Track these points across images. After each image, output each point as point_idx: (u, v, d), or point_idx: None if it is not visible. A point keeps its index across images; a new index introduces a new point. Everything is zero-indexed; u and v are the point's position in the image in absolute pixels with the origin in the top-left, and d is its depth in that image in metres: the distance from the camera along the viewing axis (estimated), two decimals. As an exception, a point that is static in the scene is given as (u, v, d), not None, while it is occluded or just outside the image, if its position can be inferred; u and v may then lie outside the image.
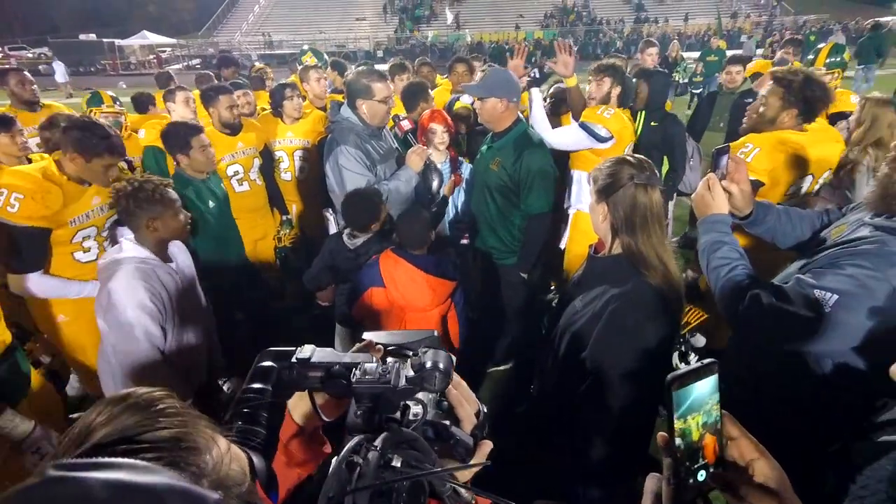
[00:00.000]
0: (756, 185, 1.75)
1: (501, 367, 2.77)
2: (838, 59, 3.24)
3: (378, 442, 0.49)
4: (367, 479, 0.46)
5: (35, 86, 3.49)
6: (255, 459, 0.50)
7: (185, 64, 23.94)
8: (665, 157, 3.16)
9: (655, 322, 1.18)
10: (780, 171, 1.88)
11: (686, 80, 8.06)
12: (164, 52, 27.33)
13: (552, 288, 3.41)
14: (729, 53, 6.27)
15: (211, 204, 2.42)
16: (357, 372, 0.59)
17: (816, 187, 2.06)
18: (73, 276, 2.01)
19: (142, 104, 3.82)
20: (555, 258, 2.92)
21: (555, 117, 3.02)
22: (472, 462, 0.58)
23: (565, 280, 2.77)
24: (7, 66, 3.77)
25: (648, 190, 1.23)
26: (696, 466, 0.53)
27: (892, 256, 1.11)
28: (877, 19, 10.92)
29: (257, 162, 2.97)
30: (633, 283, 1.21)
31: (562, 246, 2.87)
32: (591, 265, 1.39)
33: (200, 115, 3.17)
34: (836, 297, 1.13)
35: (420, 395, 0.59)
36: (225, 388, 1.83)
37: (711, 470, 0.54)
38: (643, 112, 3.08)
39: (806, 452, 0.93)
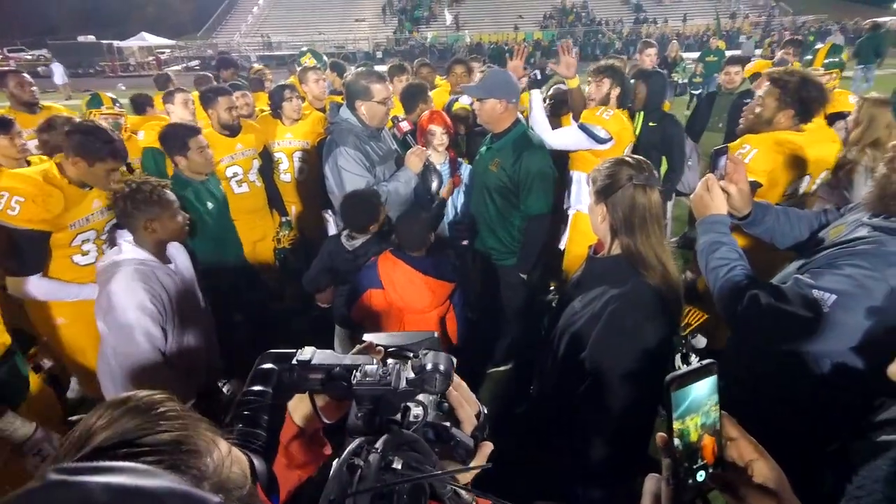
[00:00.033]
0: (754, 186, 1.75)
1: (501, 368, 2.77)
2: (836, 59, 3.25)
3: (379, 444, 0.49)
4: (367, 481, 0.46)
5: (34, 87, 3.48)
6: (256, 462, 0.50)
7: (184, 65, 23.93)
8: (663, 158, 3.17)
9: (654, 322, 1.18)
10: (779, 172, 1.88)
11: (685, 81, 8.07)
12: (163, 53, 27.35)
13: (551, 288, 3.41)
14: (728, 54, 6.29)
15: (210, 205, 2.42)
16: (358, 374, 0.59)
17: (814, 187, 2.07)
18: (71, 280, 2.01)
19: (139, 105, 3.82)
20: (554, 259, 2.93)
21: (555, 118, 3.03)
22: (472, 463, 0.58)
23: (565, 281, 2.78)
24: (6, 68, 3.77)
25: (647, 190, 1.23)
26: (695, 467, 0.53)
27: (890, 256, 1.12)
28: (875, 20, 10.95)
29: (256, 163, 2.97)
30: (632, 283, 1.21)
31: (561, 247, 2.88)
32: (591, 266, 1.39)
33: (199, 116, 3.17)
34: (834, 297, 1.13)
35: (420, 397, 0.59)
36: (224, 389, 1.83)
37: (711, 470, 0.54)
38: (641, 113, 3.09)
39: (804, 452, 0.93)
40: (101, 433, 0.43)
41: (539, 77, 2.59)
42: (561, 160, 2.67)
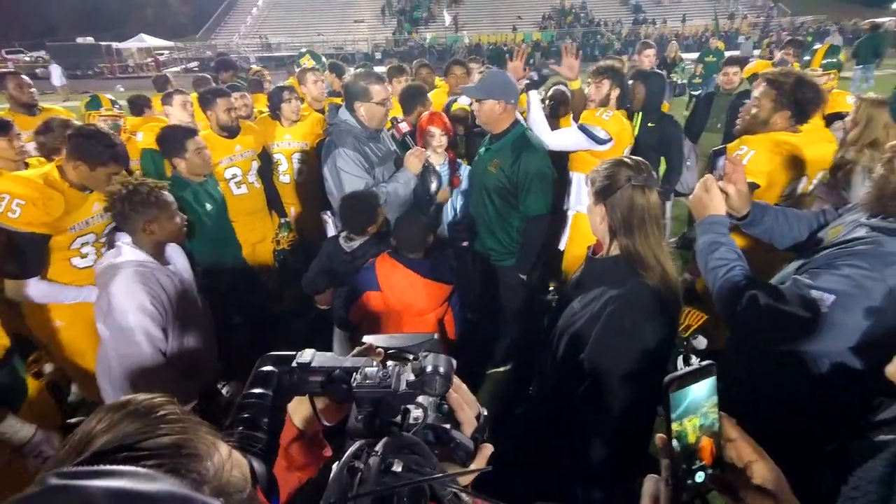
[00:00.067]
0: (751, 187, 1.75)
1: (500, 369, 2.77)
2: (834, 59, 3.25)
3: (379, 447, 0.49)
4: (368, 484, 0.46)
5: (33, 89, 3.48)
6: (256, 465, 0.50)
7: (183, 67, 23.92)
8: (662, 158, 3.17)
9: (653, 323, 1.18)
10: (777, 173, 1.88)
11: (685, 81, 8.08)
12: (162, 54, 27.33)
13: (551, 289, 3.41)
14: (727, 54, 6.30)
15: (208, 206, 2.42)
16: (358, 376, 0.59)
17: (811, 188, 2.07)
18: (69, 282, 2.00)
19: (137, 107, 3.82)
20: (553, 259, 2.93)
21: (553, 119, 3.03)
22: (472, 465, 0.58)
23: (564, 281, 2.78)
24: (4, 70, 3.76)
25: (646, 191, 1.23)
26: (693, 468, 0.54)
27: (888, 256, 1.12)
28: (874, 20, 11.00)
29: (255, 165, 2.97)
30: (630, 284, 1.21)
31: (561, 247, 2.88)
32: (590, 266, 1.39)
33: (198, 118, 3.17)
34: (833, 297, 1.14)
35: (420, 399, 0.59)
36: (224, 391, 1.83)
37: (710, 471, 0.55)
38: (640, 113, 3.09)
39: (803, 452, 0.94)
40: (101, 437, 0.43)
41: (536, 78, 2.59)
42: (560, 161, 2.67)
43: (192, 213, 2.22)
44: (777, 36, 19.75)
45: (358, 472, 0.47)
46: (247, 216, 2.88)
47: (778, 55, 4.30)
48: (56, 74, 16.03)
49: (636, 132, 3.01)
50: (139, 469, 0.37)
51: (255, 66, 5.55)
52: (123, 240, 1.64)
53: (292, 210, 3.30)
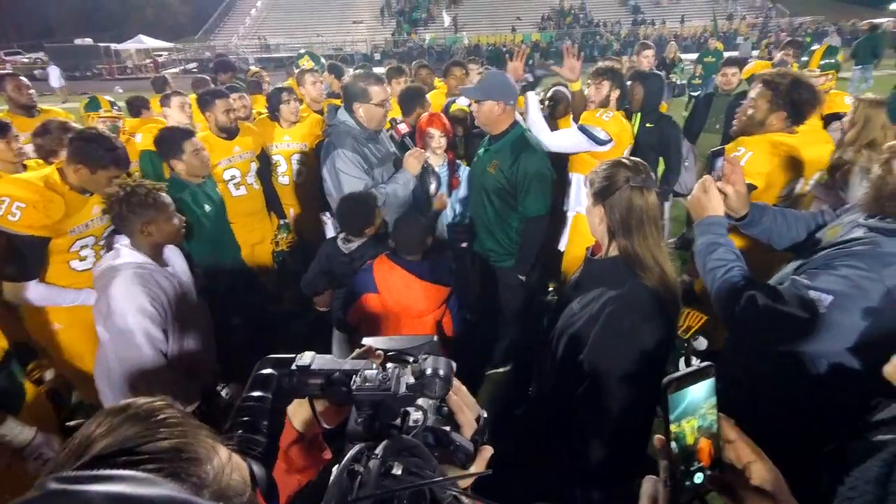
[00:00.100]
0: (749, 189, 1.76)
1: (500, 370, 2.77)
2: (832, 60, 3.26)
3: (379, 450, 0.49)
4: (368, 487, 0.46)
5: (32, 90, 3.48)
6: (256, 468, 0.50)
7: (182, 68, 23.91)
8: (660, 159, 3.18)
9: (652, 324, 1.18)
10: (775, 174, 1.89)
11: (684, 82, 8.10)
12: (161, 55, 27.32)
13: (550, 290, 3.42)
14: (726, 55, 6.31)
15: (207, 208, 2.42)
16: (357, 379, 0.59)
17: (808, 188, 2.08)
18: (68, 285, 2.00)
19: (135, 108, 3.82)
20: (553, 260, 2.93)
21: (552, 120, 3.04)
22: (472, 467, 0.58)
23: (563, 282, 2.78)
24: (3, 72, 3.76)
25: (644, 192, 1.23)
26: (692, 469, 0.54)
27: (886, 257, 1.12)
28: (872, 21, 11.05)
29: (254, 166, 2.97)
30: (629, 285, 1.21)
31: (561, 248, 2.88)
32: (588, 267, 1.39)
33: (197, 119, 3.17)
34: (831, 297, 1.14)
35: (420, 401, 0.59)
36: (223, 393, 1.82)
37: (709, 472, 0.55)
38: (638, 114, 3.10)
39: (801, 453, 0.94)
40: (100, 441, 0.42)
41: (532, 79, 2.59)
42: (560, 162, 2.68)
43: (190, 214, 2.22)
44: (776, 37, 19.79)
45: (358, 476, 0.47)
46: (245, 217, 2.88)
47: (778, 56, 4.31)
48: (54, 76, 16.00)
49: (635, 133, 3.02)
50: (139, 473, 0.37)
51: (253, 68, 5.55)
52: (122, 242, 1.64)
53: (291, 211, 3.30)
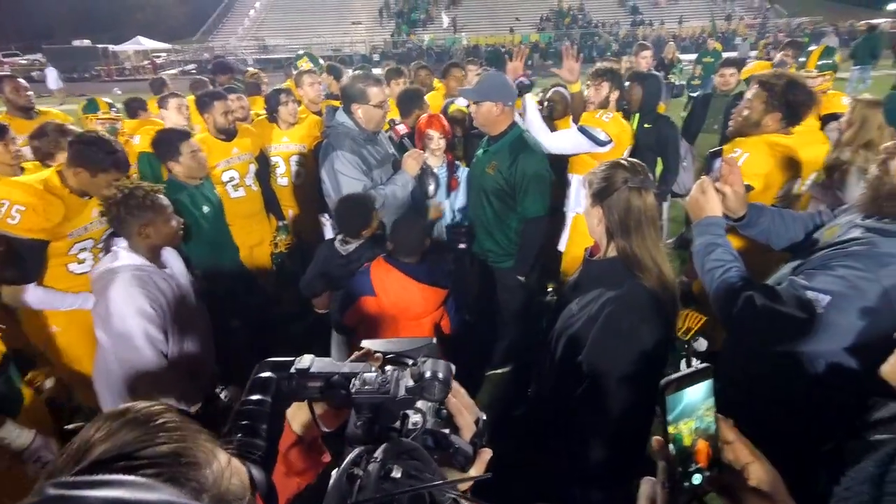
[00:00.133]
0: (746, 190, 1.76)
1: (499, 371, 2.77)
2: (830, 61, 3.28)
3: (378, 453, 0.49)
4: (367, 491, 0.46)
5: (30, 92, 3.47)
6: (255, 472, 0.50)
7: (180, 69, 23.88)
8: (658, 159, 3.19)
9: (650, 324, 1.19)
10: (772, 175, 1.89)
11: (683, 83, 8.11)
12: (159, 57, 27.28)
13: (549, 290, 3.42)
14: (724, 55, 6.32)
15: (205, 209, 2.41)
16: (356, 382, 0.59)
17: (803, 189, 2.09)
18: (65, 288, 2.00)
19: (132, 109, 3.82)
20: (552, 261, 2.93)
21: (551, 121, 3.05)
22: (471, 470, 0.58)
23: (563, 283, 2.78)
24: (1, 73, 3.75)
25: (642, 193, 1.24)
26: (690, 470, 0.54)
27: (883, 257, 1.13)
28: (869, 21, 11.11)
29: (253, 168, 2.97)
30: (627, 285, 1.22)
31: (561, 249, 2.88)
32: (587, 268, 1.40)
33: (196, 120, 3.17)
34: (828, 297, 1.14)
35: (419, 404, 0.59)
36: (222, 396, 1.82)
37: (707, 473, 0.55)
38: (637, 114, 3.11)
39: (799, 453, 0.94)
40: (99, 446, 0.42)
41: (528, 83, 2.60)
42: (559, 163, 2.68)
43: (188, 216, 2.22)
44: (774, 37, 19.84)
45: (357, 479, 0.47)
46: (244, 219, 2.88)
47: (777, 56, 4.32)
48: (52, 77, 15.96)
49: (633, 133, 3.02)
50: (138, 478, 0.37)
51: (250, 69, 5.53)
52: (120, 244, 1.64)
53: (290, 213, 3.30)
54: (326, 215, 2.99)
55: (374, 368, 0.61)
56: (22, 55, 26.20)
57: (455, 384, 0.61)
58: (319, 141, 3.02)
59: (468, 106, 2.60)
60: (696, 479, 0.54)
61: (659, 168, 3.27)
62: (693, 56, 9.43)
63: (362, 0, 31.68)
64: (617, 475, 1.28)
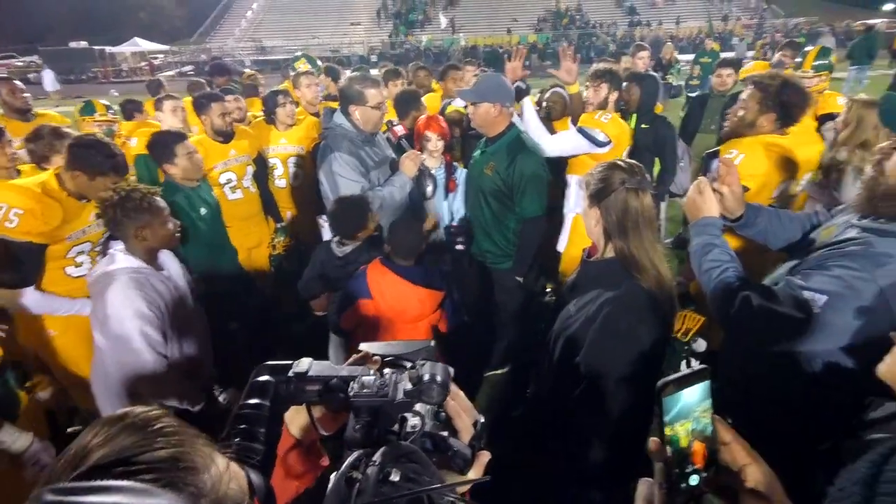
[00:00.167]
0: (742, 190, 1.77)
1: (498, 372, 2.77)
2: (826, 61, 3.28)
3: (377, 457, 0.50)
4: (366, 494, 0.46)
5: (27, 94, 3.46)
6: (254, 476, 0.50)
7: (178, 71, 23.83)
8: (656, 159, 3.19)
9: (648, 325, 1.19)
10: (768, 176, 1.90)
11: (681, 83, 8.12)
12: (157, 58, 27.22)
13: (548, 291, 3.42)
14: (722, 56, 6.34)
15: (203, 211, 2.41)
16: (355, 385, 0.59)
17: (798, 189, 2.10)
18: (63, 291, 1.99)
19: (127, 111, 3.81)
20: (550, 261, 2.94)
21: (550, 122, 3.05)
22: (470, 472, 0.58)
23: (562, 283, 2.78)
24: (-3, 75, 3.73)
25: (639, 194, 1.24)
26: (687, 471, 0.54)
27: (879, 257, 1.13)
28: (865, 21, 11.18)
29: (250, 169, 2.96)
30: (625, 286, 1.22)
31: (560, 249, 2.89)
32: (585, 269, 1.40)
33: (193, 122, 3.17)
34: (825, 297, 1.15)
35: (418, 407, 0.59)
36: (221, 398, 1.82)
37: (704, 474, 0.55)
38: (634, 115, 3.11)
39: (797, 453, 0.94)
40: (97, 451, 0.42)
41: (524, 87, 2.60)
42: (558, 163, 2.68)
43: (185, 218, 2.21)
44: (771, 38, 19.90)
45: (356, 483, 0.47)
46: (242, 221, 2.87)
47: (776, 57, 4.34)
48: (48, 79, 15.93)
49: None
50: (136, 484, 0.37)
51: (247, 71, 5.52)
52: (116, 247, 1.63)
53: (288, 214, 3.30)
54: (325, 217, 2.98)
55: (372, 372, 0.61)
56: (18, 57, 26.10)
57: (453, 387, 0.61)
58: (317, 142, 3.02)
59: (466, 107, 2.60)
60: (694, 480, 0.54)
61: (656, 168, 3.28)
62: (691, 56, 9.45)
63: (360, 1, 31.69)
64: (615, 476, 1.28)
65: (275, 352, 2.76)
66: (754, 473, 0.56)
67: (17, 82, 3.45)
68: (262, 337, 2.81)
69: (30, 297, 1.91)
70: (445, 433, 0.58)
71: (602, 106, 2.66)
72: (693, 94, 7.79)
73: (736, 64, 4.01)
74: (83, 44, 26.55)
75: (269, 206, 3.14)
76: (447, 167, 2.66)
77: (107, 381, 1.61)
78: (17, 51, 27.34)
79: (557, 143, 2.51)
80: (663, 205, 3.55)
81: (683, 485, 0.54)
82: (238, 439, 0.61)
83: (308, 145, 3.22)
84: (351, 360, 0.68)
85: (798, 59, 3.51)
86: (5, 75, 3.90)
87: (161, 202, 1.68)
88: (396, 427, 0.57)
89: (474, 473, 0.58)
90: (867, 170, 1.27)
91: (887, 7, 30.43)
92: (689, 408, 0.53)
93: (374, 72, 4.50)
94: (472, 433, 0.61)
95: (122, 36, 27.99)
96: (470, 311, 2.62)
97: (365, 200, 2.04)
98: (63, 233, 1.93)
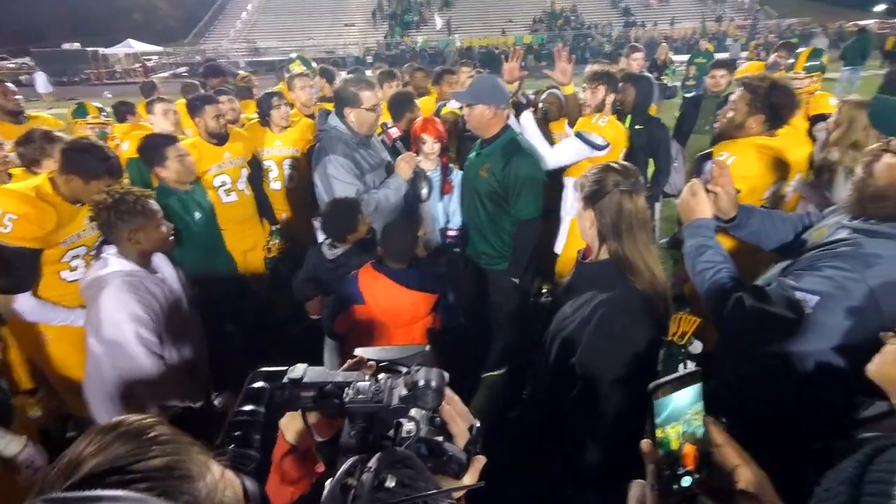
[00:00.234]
0: None
1: (495, 373, 2.78)
2: (817, 62, 3.32)
3: (372, 463, 0.50)
4: (361, 501, 0.46)
5: (19, 96, 3.43)
6: (249, 484, 0.50)
7: (172, 72, 23.69)
8: (650, 160, 3.21)
9: (642, 326, 1.20)
10: (760, 177, 1.92)
11: (677, 83, 8.17)
12: (150, 60, 27.06)
13: (544, 292, 3.43)
14: (716, 56, 6.39)
15: (197, 215, 2.39)
16: (350, 391, 0.59)
17: (789, 189, 2.12)
18: (57, 295, 1.98)
19: (120, 113, 3.79)
20: (546, 263, 2.94)
21: (546, 124, 3.06)
22: (465, 478, 0.58)
23: (557, 284, 2.79)
24: (-12, 78, 3.70)
25: (633, 196, 1.25)
26: (679, 472, 0.55)
27: (869, 258, 1.15)
28: (857, 22, 11.31)
29: (245, 172, 2.94)
30: (620, 288, 1.23)
31: (558, 251, 2.89)
32: (580, 271, 1.41)
33: (187, 124, 3.15)
34: (817, 298, 1.16)
35: (413, 412, 0.59)
36: (216, 402, 1.81)
37: (697, 476, 0.56)
38: (629, 116, 3.13)
39: (789, 453, 0.95)
40: (90, 460, 0.42)
41: (525, 101, 2.60)
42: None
43: (180, 222, 2.20)
44: (764, 38, 20.06)
45: (351, 489, 0.47)
46: (237, 224, 2.86)
47: (771, 58, 4.38)
48: (41, 81, 15.78)
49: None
50: (131, 493, 0.37)
51: (240, 73, 5.48)
52: (109, 251, 1.62)
53: (283, 217, 3.28)
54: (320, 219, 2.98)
55: (367, 377, 0.61)
56: (10, 59, 25.86)
57: (448, 392, 0.61)
58: (312, 144, 3.01)
59: (461, 108, 2.60)
60: (686, 481, 0.55)
61: (650, 169, 3.29)
62: (685, 57, 9.51)
63: (355, 2, 31.64)
64: (611, 477, 1.28)
65: (270, 355, 2.72)
66: (745, 475, 0.57)
67: (9, 84, 3.41)
68: (257, 340, 2.80)
69: (25, 304, 1.90)
70: (441, 438, 0.58)
71: (599, 108, 2.67)
72: (689, 95, 7.83)
73: (729, 65, 4.04)
74: (76, 45, 26.37)
75: (263, 208, 3.13)
76: (443, 169, 2.67)
77: (103, 387, 1.60)
78: (9, 52, 27.09)
79: (559, 154, 2.50)
80: (658, 205, 3.56)
81: (676, 486, 0.55)
82: (233, 446, 0.61)
83: (303, 147, 3.21)
84: (346, 365, 0.68)
85: (790, 61, 3.54)
86: (-3, 77, 3.86)
87: (154, 205, 1.67)
88: (392, 433, 0.57)
89: (470, 478, 0.58)
90: (857, 171, 1.29)
91: (878, 8, 30.77)
92: (680, 410, 0.54)
93: (368, 73, 4.49)
94: (468, 438, 0.61)
95: (115, 37, 27.81)
96: (466, 312, 2.63)
97: (356, 203, 2.03)
98: (58, 237, 1.91)
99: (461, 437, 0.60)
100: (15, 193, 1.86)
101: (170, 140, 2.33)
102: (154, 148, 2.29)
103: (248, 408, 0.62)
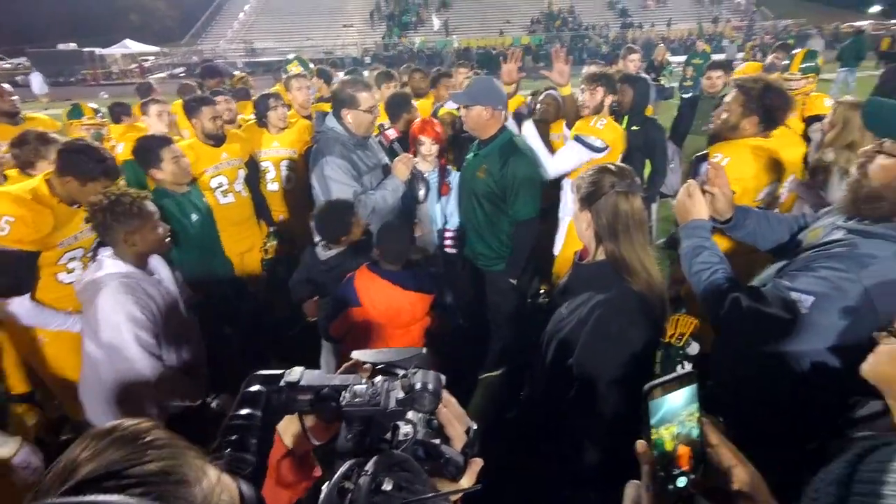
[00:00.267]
0: None
1: (493, 374, 2.78)
2: (812, 63, 3.34)
3: (369, 466, 0.50)
4: (358, 504, 0.46)
5: (15, 97, 3.41)
6: (245, 488, 0.50)
7: (169, 73, 23.62)
8: (647, 161, 3.22)
9: (639, 327, 1.20)
10: (754, 179, 1.93)
11: (674, 84, 8.20)
12: (147, 60, 26.97)
13: (542, 292, 3.43)
14: (712, 57, 6.41)
15: (194, 217, 2.39)
16: (347, 394, 0.59)
17: (783, 190, 2.13)
18: (54, 298, 1.97)
19: (115, 114, 3.78)
20: (544, 263, 2.95)
21: (544, 124, 3.07)
22: (462, 480, 0.58)
23: (555, 285, 2.79)
24: (-16, 79, 3.68)
25: (630, 197, 1.26)
26: (675, 473, 0.55)
27: (863, 258, 1.16)
28: (852, 24, 11.39)
29: (242, 173, 2.94)
30: (616, 289, 1.23)
31: (556, 253, 2.90)
32: (577, 272, 1.41)
33: (183, 125, 3.14)
34: (812, 298, 1.17)
35: (410, 415, 0.59)
36: (213, 404, 1.80)
37: (692, 477, 0.56)
38: (626, 117, 3.14)
39: (785, 453, 0.96)
40: (86, 465, 0.42)
41: (526, 112, 2.60)
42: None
43: (175, 223, 2.19)
44: (760, 40, 20.15)
45: (348, 493, 0.47)
46: (234, 226, 2.85)
47: (769, 59, 4.41)
48: (37, 82, 15.70)
49: (623, 135, 3.04)
50: (126, 498, 0.37)
51: (237, 73, 5.47)
52: (105, 253, 1.62)
53: (281, 218, 3.28)
54: (317, 220, 2.97)
55: (364, 380, 0.61)
56: (6, 59, 25.74)
57: (445, 394, 0.61)
58: (310, 146, 3.01)
59: (458, 109, 2.61)
60: (681, 482, 0.55)
61: (647, 170, 3.31)
62: (682, 58, 9.55)
63: (353, 3, 31.64)
64: (608, 478, 1.29)
65: (267, 356, 2.74)
66: (740, 475, 0.57)
67: (5, 85, 3.40)
68: (254, 341, 2.79)
69: (22, 307, 1.89)
70: (437, 441, 0.58)
71: (598, 109, 2.67)
72: (687, 96, 7.86)
73: (725, 66, 4.06)
74: (72, 46, 26.24)
75: (261, 209, 3.13)
76: (441, 171, 2.67)
77: (101, 389, 1.59)
78: (5, 53, 26.95)
79: (561, 162, 2.49)
80: (654, 206, 3.58)
81: (671, 487, 0.55)
82: (229, 450, 0.61)
83: (300, 148, 3.21)
84: (342, 368, 0.68)
85: (786, 62, 3.56)
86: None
87: (151, 206, 1.67)
88: (388, 436, 0.57)
89: (467, 481, 0.58)
90: (852, 172, 1.30)
91: (874, 9, 30.98)
92: (675, 412, 0.54)
93: (365, 73, 4.49)
94: (465, 440, 0.61)
95: (112, 38, 27.69)
96: (464, 313, 2.63)
97: (348, 205, 2.03)
98: (55, 239, 1.91)
99: (458, 439, 0.60)
100: (11, 196, 1.85)
101: (164, 141, 2.32)
102: (149, 149, 2.29)
103: (244, 411, 0.62)
